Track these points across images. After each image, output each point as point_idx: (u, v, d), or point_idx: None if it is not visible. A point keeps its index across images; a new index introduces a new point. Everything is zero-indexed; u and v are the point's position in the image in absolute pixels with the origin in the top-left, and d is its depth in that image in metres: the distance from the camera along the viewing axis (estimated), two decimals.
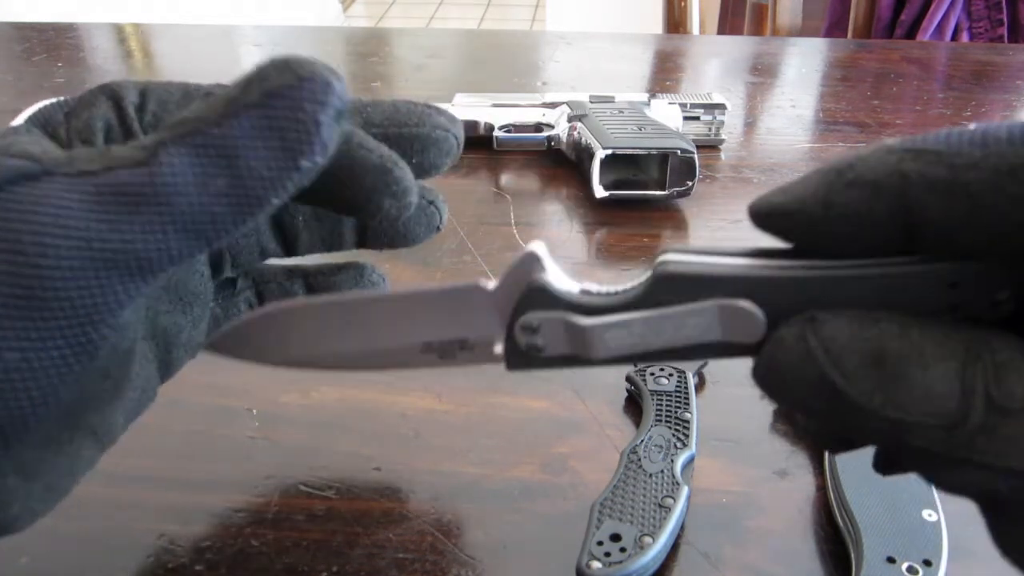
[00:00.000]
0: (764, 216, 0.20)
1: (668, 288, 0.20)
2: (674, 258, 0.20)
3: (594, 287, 0.22)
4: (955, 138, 0.18)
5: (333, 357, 0.25)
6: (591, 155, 0.56)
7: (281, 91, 0.21)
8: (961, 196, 0.17)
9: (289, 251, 0.31)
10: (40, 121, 0.25)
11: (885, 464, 0.21)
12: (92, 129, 0.24)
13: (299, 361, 0.25)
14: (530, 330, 0.22)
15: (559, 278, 0.22)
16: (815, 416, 0.19)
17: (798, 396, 0.19)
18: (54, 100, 0.25)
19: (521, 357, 0.22)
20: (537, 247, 0.22)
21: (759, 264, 0.20)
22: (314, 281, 0.32)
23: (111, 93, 0.25)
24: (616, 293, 0.21)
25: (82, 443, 0.24)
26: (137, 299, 0.22)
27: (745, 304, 0.20)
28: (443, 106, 0.28)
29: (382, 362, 0.25)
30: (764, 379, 0.20)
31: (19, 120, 0.25)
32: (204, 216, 0.21)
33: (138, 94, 0.25)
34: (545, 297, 0.22)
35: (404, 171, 0.25)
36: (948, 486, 0.19)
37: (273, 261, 0.32)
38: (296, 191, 0.22)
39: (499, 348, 0.23)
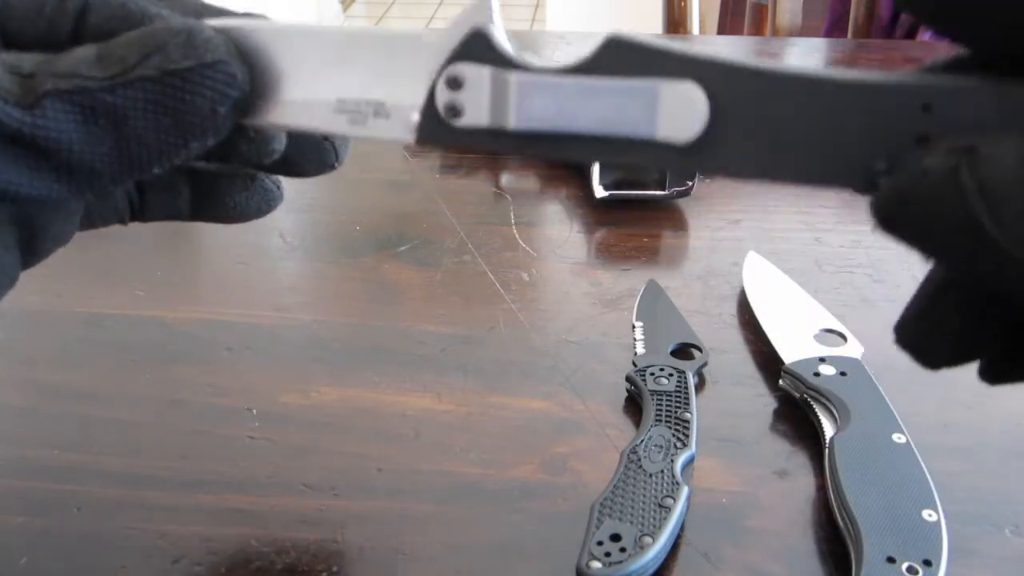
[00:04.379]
0: None
1: (616, 57, 0.18)
2: (633, 34, 0.19)
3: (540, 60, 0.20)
4: None
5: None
6: None
7: (181, 72, 0.20)
8: None
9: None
10: None
11: (1000, 367, 0.19)
12: None
13: None
14: (455, 84, 0.20)
15: (504, 38, 0.20)
16: (944, 258, 0.17)
17: (931, 235, 0.16)
18: None
19: (435, 126, 0.21)
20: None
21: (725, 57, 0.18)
22: (201, 180, 0.28)
23: None
24: (560, 63, 0.19)
25: None
26: None
27: (690, 86, 0.18)
28: None
29: (289, 119, 0.22)
30: (891, 213, 0.17)
31: None
32: (83, 169, 0.20)
33: None
34: (483, 48, 0.20)
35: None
36: None
37: None
38: (184, 161, 0.21)
39: (416, 116, 0.21)
